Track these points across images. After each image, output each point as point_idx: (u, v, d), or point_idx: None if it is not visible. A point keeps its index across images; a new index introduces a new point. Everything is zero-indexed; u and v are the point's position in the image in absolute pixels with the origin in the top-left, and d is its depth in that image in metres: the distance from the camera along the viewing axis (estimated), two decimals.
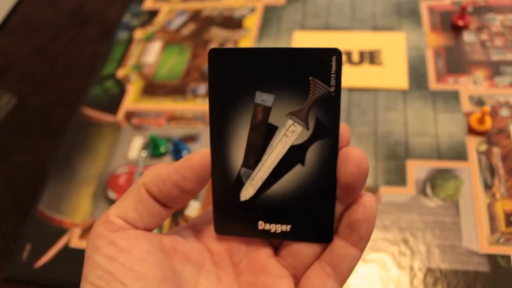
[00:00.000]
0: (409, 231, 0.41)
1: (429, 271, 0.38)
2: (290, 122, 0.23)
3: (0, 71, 0.64)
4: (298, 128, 0.23)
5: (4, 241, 0.47)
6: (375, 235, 0.41)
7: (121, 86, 0.57)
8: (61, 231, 0.46)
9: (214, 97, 0.23)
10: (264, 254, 0.24)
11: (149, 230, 0.23)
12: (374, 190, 0.43)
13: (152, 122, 0.53)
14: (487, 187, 0.42)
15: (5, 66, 0.64)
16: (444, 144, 0.45)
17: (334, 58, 0.22)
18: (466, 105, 0.48)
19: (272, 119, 0.23)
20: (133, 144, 0.51)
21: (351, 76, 0.52)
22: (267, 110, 0.23)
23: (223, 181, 0.24)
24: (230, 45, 0.58)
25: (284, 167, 0.23)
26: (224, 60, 0.23)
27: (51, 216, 0.47)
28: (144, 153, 0.50)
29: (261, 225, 0.24)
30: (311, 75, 0.22)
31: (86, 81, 0.59)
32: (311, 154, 0.23)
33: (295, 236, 0.24)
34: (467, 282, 0.37)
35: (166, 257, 0.22)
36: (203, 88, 0.55)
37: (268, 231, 0.24)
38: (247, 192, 0.24)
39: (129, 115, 0.54)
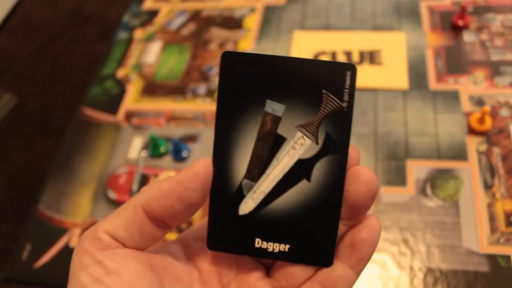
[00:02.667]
0: (409, 231, 0.41)
1: (429, 271, 0.38)
2: (299, 134, 0.22)
3: (0, 71, 0.64)
4: (307, 141, 0.22)
5: (4, 241, 0.47)
6: None
7: (121, 86, 0.57)
8: (61, 231, 0.46)
9: (222, 101, 0.22)
10: (254, 275, 0.23)
11: (138, 250, 0.22)
12: None
13: (152, 122, 0.53)
14: (487, 187, 0.42)
15: (5, 66, 0.64)
16: (444, 144, 0.45)
17: (349, 74, 0.21)
18: (466, 105, 0.48)
19: (281, 130, 0.22)
20: (133, 144, 0.51)
21: None
22: (276, 120, 0.22)
23: (222, 192, 0.23)
24: (230, 45, 0.58)
25: (289, 182, 0.22)
26: (236, 64, 0.22)
27: (51, 216, 0.47)
28: (144, 153, 0.50)
29: (258, 242, 0.23)
30: (325, 88, 0.21)
31: (86, 81, 0.59)
32: (318, 170, 0.22)
33: (292, 257, 0.22)
34: (467, 282, 0.37)
35: (156, 277, 0.21)
36: (203, 88, 0.55)
37: (265, 250, 0.23)
38: (247, 206, 0.22)
39: (129, 115, 0.54)
